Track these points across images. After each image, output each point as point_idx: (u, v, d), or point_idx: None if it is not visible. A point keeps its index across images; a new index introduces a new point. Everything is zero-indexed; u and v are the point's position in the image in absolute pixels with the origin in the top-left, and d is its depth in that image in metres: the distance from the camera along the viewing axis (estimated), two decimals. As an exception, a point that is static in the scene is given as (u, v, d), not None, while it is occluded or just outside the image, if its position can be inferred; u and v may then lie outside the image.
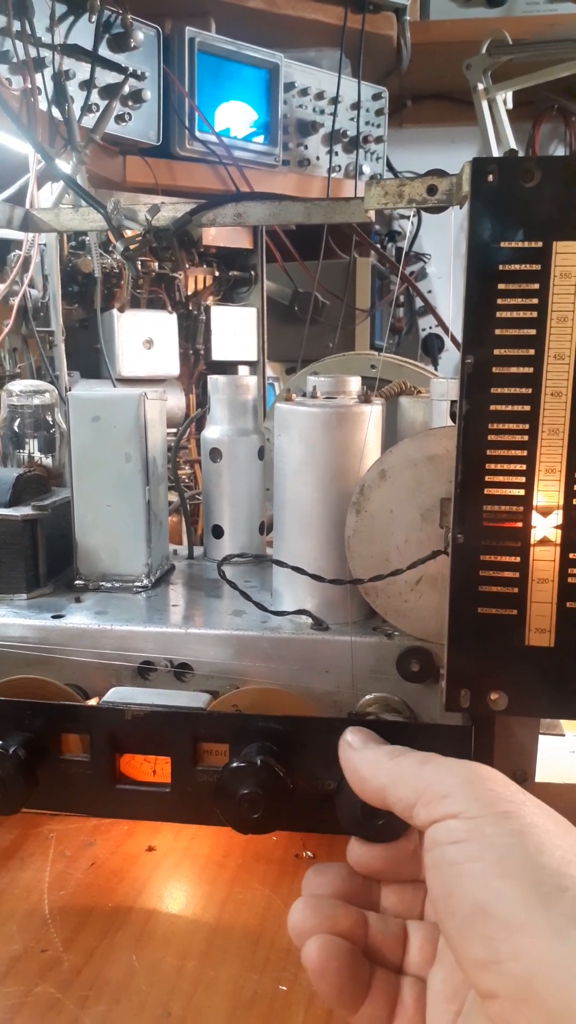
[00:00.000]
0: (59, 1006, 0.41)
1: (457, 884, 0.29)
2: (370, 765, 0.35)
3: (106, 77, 1.11)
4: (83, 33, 1.04)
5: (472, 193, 0.43)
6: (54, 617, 0.57)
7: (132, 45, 1.12)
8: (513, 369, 0.44)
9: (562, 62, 1.30)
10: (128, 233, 0.63)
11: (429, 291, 1.82)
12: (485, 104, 1.38)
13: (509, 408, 0.44)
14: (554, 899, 0.26)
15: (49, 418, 0.72)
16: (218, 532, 0.72)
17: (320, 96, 1.45)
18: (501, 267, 0.43)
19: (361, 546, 0.52)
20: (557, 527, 0.44)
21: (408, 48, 1.56)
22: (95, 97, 1.09)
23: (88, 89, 1.04)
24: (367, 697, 0.54)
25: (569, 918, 0.26)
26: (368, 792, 0.35)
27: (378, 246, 1.62)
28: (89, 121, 1.06)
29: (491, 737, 0.50)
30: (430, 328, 1.88)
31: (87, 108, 1.06)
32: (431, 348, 1.86)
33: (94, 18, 1.05)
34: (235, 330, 1.18)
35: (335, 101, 1.46)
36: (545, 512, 0.44)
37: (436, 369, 1.60)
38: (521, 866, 0.27)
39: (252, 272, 1.20)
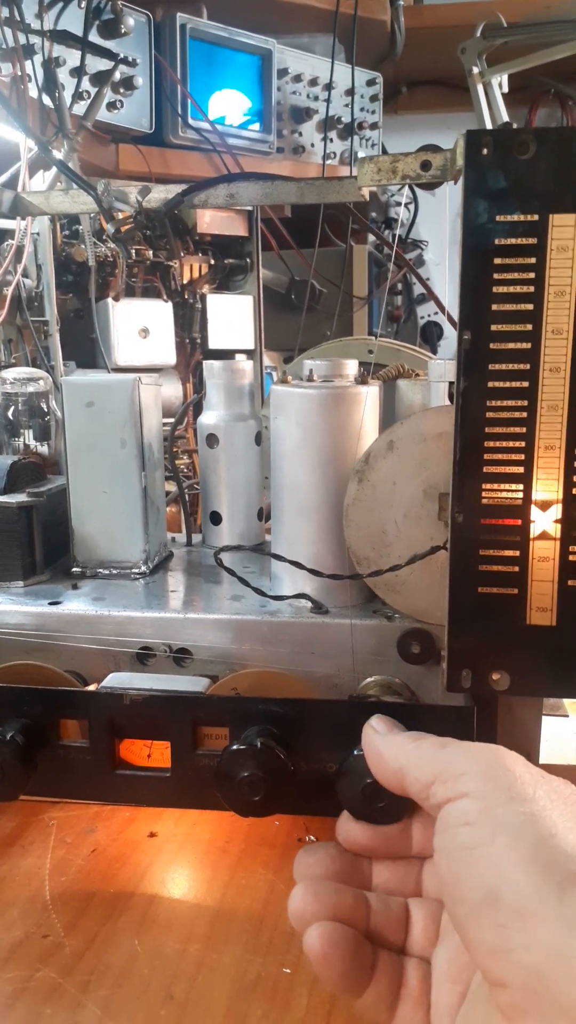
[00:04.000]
0: (60, 991, 0.41)
1: (467, 869, 0.28)
2: (392, 747, 0.35)
3: (97, 64, 1.10)
4: (73, 19, 1.03)
5: (467, 167, 0.42)
6: (51, 604, 0.57)
7: (123, 31, 1.11)
8: (511, 345, 0.43)
9: (557, 44, 1.29)
10: (120, 216, 0.62)
11: (428, 278, 1.81)
12: (480, 88, 1.37)
13: (507, 385, 0.44)
14: (567, 887, 0.26)
15: (44, 406, 0.72)
16: (216, 519, 0.72)
17: (314, 82, 1.45)
18: (497, 241, 0.43)
19: (359, 515, 0.52)
20: (558, 503, 0.44)
21: (402, 33, 1.55)
22: (86, 84, 1.08)
23: (79, 76, 1.03)
24: (368, 680, 0.54)
25: None
26: (387, 774, 0.35)
27: (375, 229, 1.61)
28: (80, 108, 1.05)
29: (494, 718, 0.50)
30: (429, 316, 1.87)
31: (78, 95, 1.05)
32: (430, 336, 1.85)
33: (84, 4, 1.04)
34: (231, 318, 1.17)
35: (329, 87, 1.45)
36: (545, 489, 0.44)
37: (434, 356, 1.59)
38: (533, 851, 0.27)
39: (248, 260, 1.19)
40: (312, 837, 0.53)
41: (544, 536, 0.44)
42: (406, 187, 1.55)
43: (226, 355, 1.18)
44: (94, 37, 1.07)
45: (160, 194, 0.59)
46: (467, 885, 0.28)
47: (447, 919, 0.34)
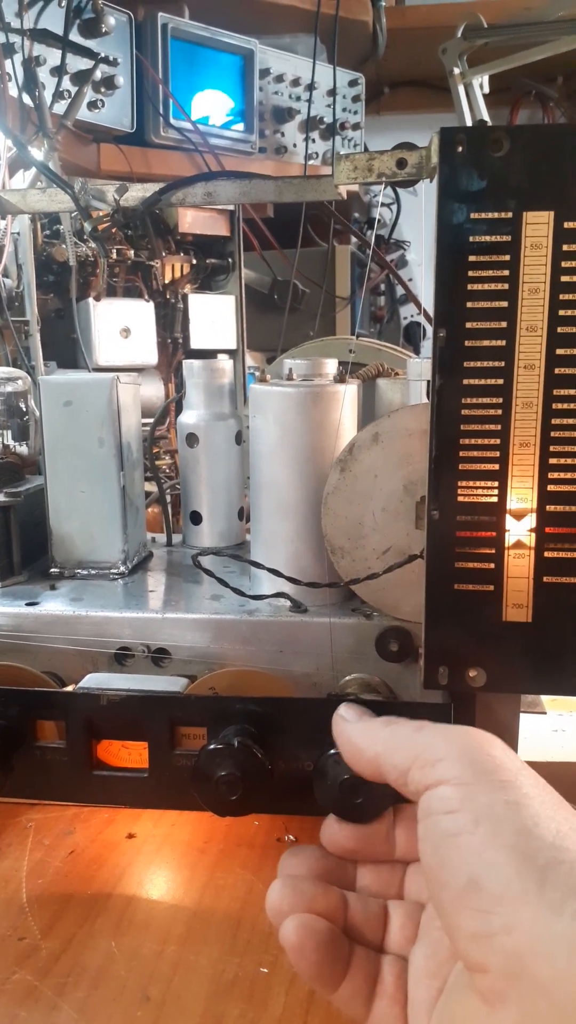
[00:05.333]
0: (36, 993, 0.40)
1: (450, 856, 0.28)
2: (365, 734, 0.35)
3: (78, 63, 1.10)
4: (53, 18, 1.03)
5: (441, 163, 0.42)
6: (28, 604, 0.57)
7: (103, 30, 1.11)
8: (486, 342, 0.43)
9: (537, 45, 1.30)
10: (98, 215, 0.62)
11: (410, 279, 1.82)
12: (461, 88, 1.37)
13: (482, 382, 0.44)
14: (549, 873, 0.26)
15: (22, 405, 0.71)
16: (196, 518, 0.72)
17: (296, 83, 1.45)
18: (472, 239, 0.43)
19: (338, 505, 0.52)
20: (532, 501, 0.44)
21: (384, 33, 1.55)
22: (66, 83, 1.08)
23: (59, 75, 1.03)
24: (347, 678, 0.53)
25: (563, 892, 0.25)
26: (362, 762, 0.34)
27: (356, 230, 1.61)
28: (61, 108, 1.05)
29: (472, 715, 0.50)
30: (411, 316, 1.88)
31: (59, 94, 1.05)
32: (413, 336, 1.85)
33: (64, 3, 1.04)
34: (213, 318, 1.17)
35: (311, 88, 1.45)
36: (520, 486, 0.44)
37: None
38: (516, 838, 0.27)
39: (230, 260, 1.19)
40: (291, 837, 0.53)
41: (519, 539, 0.44)
42: (388, 187, 1.56)
43: (208, 355, 1.17)
44: (75, 36, 1.07)
45: (138, 192, 0.59)
46: (450, 871, 0.28)
47: (426, 919, 0.34)
